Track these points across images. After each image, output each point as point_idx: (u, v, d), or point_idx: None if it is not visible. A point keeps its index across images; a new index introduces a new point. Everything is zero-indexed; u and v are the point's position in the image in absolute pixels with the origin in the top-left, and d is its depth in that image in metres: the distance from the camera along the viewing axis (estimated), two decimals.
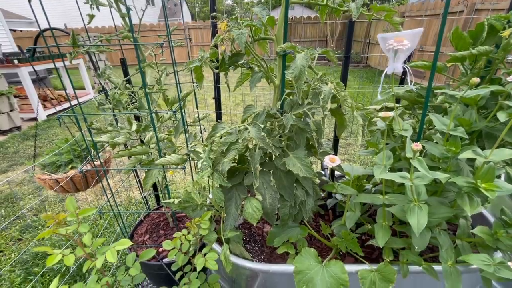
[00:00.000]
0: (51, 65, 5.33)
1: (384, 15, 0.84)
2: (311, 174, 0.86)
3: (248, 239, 1.35)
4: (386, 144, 1.05)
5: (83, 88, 6.81)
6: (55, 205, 2.56)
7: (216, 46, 0.95)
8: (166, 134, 1.11)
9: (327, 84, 0.84)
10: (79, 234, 0.73)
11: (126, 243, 0.73)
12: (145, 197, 1.73)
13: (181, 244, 0.93)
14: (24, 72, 4.72)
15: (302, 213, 1.07)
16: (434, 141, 0.89)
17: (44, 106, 5.17)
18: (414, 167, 0.66)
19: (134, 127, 1.08)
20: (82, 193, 2.74)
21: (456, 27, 0.98)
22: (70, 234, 0.68)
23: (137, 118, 1.45)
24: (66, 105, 5.46)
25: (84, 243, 0.77)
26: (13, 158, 3.61)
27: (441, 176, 0.65)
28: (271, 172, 1.00)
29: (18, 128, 4.67)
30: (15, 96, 4.89)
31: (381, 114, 0.83)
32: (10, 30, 8.23)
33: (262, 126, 0.85)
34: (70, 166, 1.56)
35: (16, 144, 4.06)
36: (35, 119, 4.95)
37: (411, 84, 0.85)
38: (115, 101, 1.13)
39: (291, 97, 1.09)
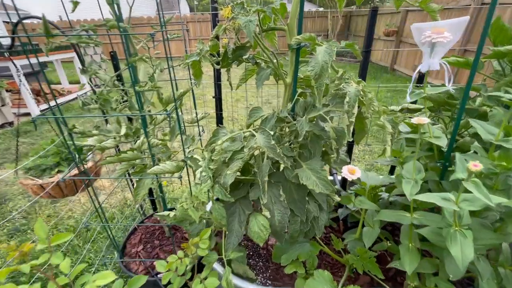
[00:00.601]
0: (44, 59, 5.14)
1: (419, 2, 0.70)
2: (329, 190, 0.73)
3: (251, 253, 1.23)
4: (412, 152, 0.92)
5: (78, 82, 6.64)
6: (46, 207, 2.43)
7: (217, 37, 0.81)
8: (160, 140, 0.98)
9: (349, 84, 0.71)
10: (49, 264, 0.61)
11: (109, 276, 0.60)
12: (140, 205, 1.60)
13: (177, 268, 0.81)
14: (17, 66, 4.53)
15: (314, 229, 0.94)
16: (472, 151, 0.77)
17: (38, 101, 5.00)
18: (466, 188, 0.53)
19: (123, 130, 0.95)
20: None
21: (497, 18, 0.85)
22: (38, 268, 0.56)
23: (130, 119, 1.31)
24: (61, 100, 5.31)
25: (60, 271, 0.64)
26: (4, 156, 3.47)
27: (499, 200, 0.52)
28: (280, 184, 0.87)
29: (10, 123, 4.50)
30: (7, 91, 4.71)
31: (414, 120, 0.70)
32: (4, 22, 7.97)
33: (271, 133, 0.72)
34: (56, 170, 1.42)
35: (7, 140, 3.91)
36: (28, 114, 4.78)
37: (448, 83, 0.72)
38: (102, 100, 1.00)
39: (302, 97, 0.95)
